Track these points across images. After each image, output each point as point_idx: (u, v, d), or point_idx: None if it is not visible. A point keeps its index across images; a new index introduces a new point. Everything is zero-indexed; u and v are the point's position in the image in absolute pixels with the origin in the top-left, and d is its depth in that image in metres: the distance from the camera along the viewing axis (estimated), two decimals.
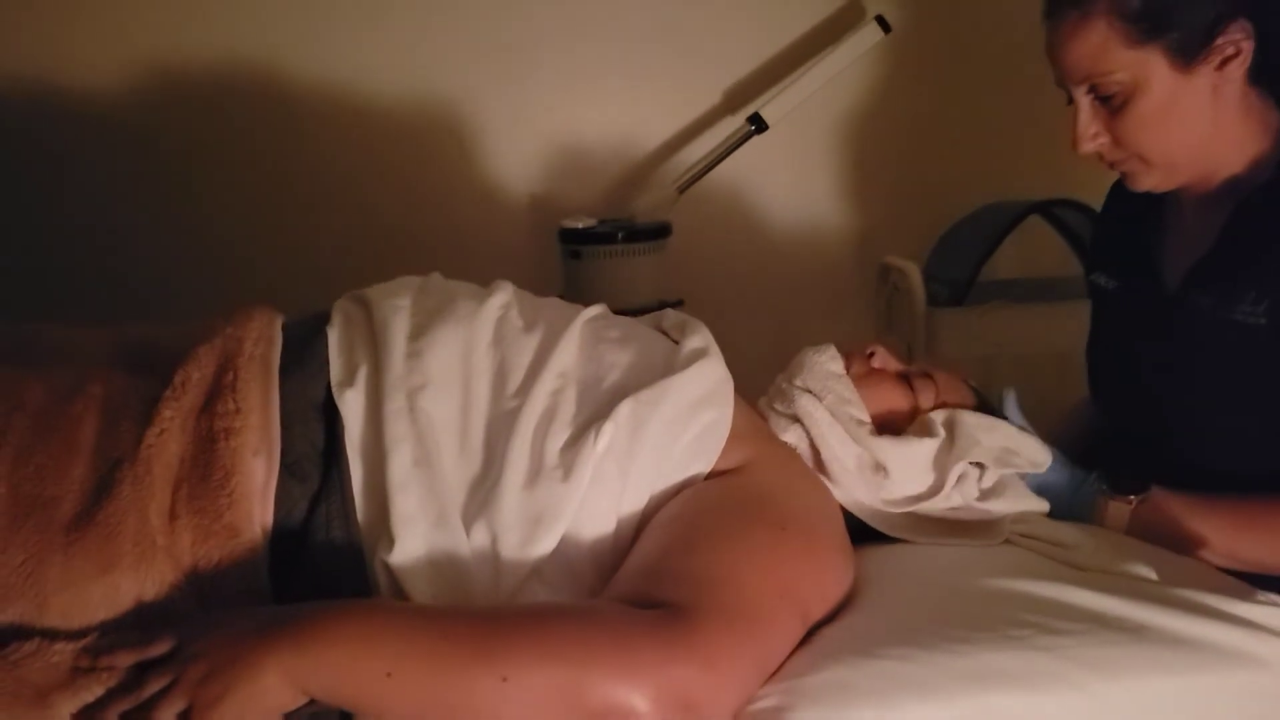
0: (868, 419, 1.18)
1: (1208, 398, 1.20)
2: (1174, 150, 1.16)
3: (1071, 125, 1.18)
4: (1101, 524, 1.18)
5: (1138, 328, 1.29)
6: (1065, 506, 1.19)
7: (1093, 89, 1.15)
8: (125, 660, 0.84)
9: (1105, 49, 1.11)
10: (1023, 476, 1.20)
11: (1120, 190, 1.39)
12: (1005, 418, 1.24)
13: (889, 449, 1.14)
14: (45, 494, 0.90)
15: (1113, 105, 1.14)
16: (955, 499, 1.14)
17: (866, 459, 1.15)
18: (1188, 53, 1.10)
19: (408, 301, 1.10)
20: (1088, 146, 1.19)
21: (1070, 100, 1.19)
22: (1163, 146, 1.16)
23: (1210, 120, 1.14)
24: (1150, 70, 1.11)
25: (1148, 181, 1.20)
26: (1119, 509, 1.17)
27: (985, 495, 1.15)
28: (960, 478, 1.14)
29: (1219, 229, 1.18)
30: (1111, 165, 1.22)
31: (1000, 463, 1.17)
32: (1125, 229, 1.35)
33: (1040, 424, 1.29)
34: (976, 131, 2.31)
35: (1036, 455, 1.19)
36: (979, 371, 2.02)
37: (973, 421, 1.18)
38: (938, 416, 1.18)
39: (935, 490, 1.14)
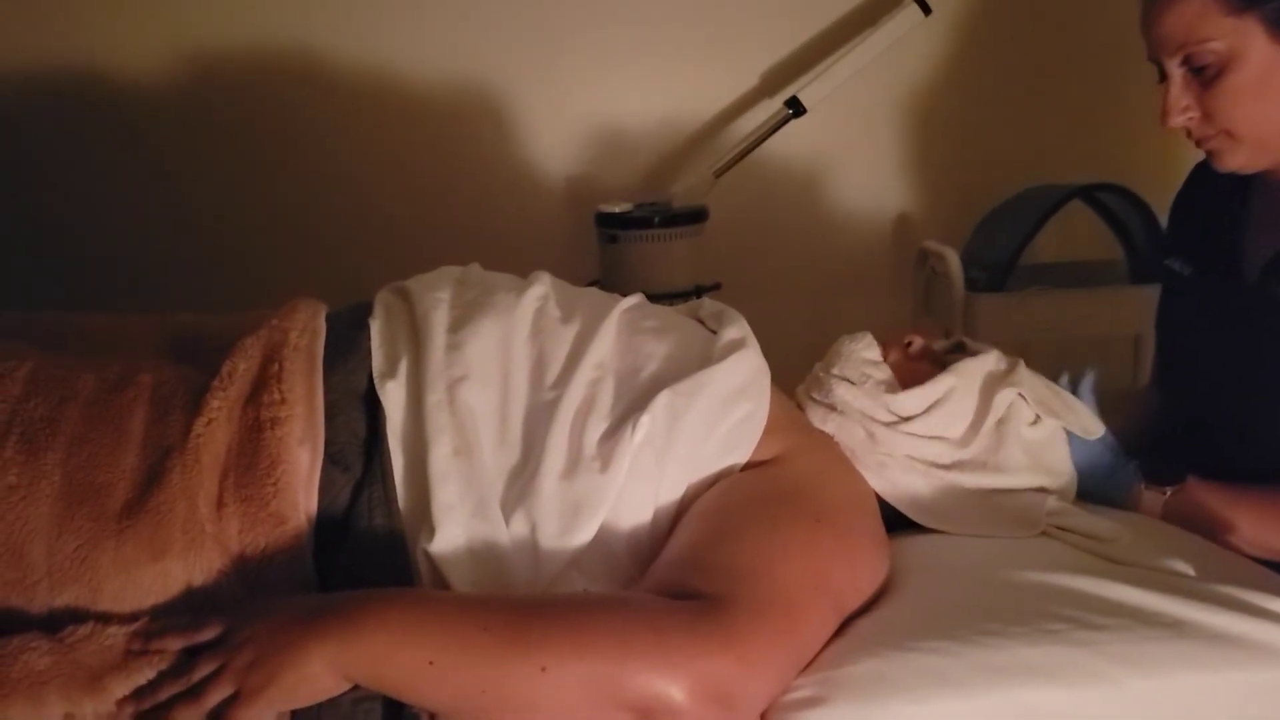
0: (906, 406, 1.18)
1: (1278, 390, 1.18)
2: (1265, 126, 1.14)
3: (1162, 99, 1.16)
4: (1135, 509, 1.18)
5: (1212, 316, 1.28)
6: (1101, 487, 1.19)
7: (1186, 60, 1.13)
8: (175, 644, 0.87)
9: (1203, 16, 1.09)
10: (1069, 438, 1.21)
11: (1201, 175, 1.36)
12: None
13: (916, 393, 1.15)
14: (98, 482, 0.93)
15: (1206, 77, 1.12)
16: (1001, 438, 1.16)
17: (908, 443, 1.15)
18: None
19: (447, 294, 1.12)
20: (1177, 120, 1.16)
21: (1161, 77, 1.17)
22: (1254, 122, 1.13)
23: None
24: (1247, 40, 1.08)
25: (1234, 161, 1.17)
26: (1153, 498, 1.17)
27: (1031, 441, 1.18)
28: (1008, 409, 1.16)
29: None
30: (1198, 143, 1.19)
31: (1048, 408, 1.18)
32: (1205, 215, 1.33)
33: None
34: (1017, 114, 2.28)
35: (1089, 423, 1.19)
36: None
37: (1031, 374, 1.19)
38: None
39: (980, 418, 1.15)
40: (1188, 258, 1.34)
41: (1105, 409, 1.26)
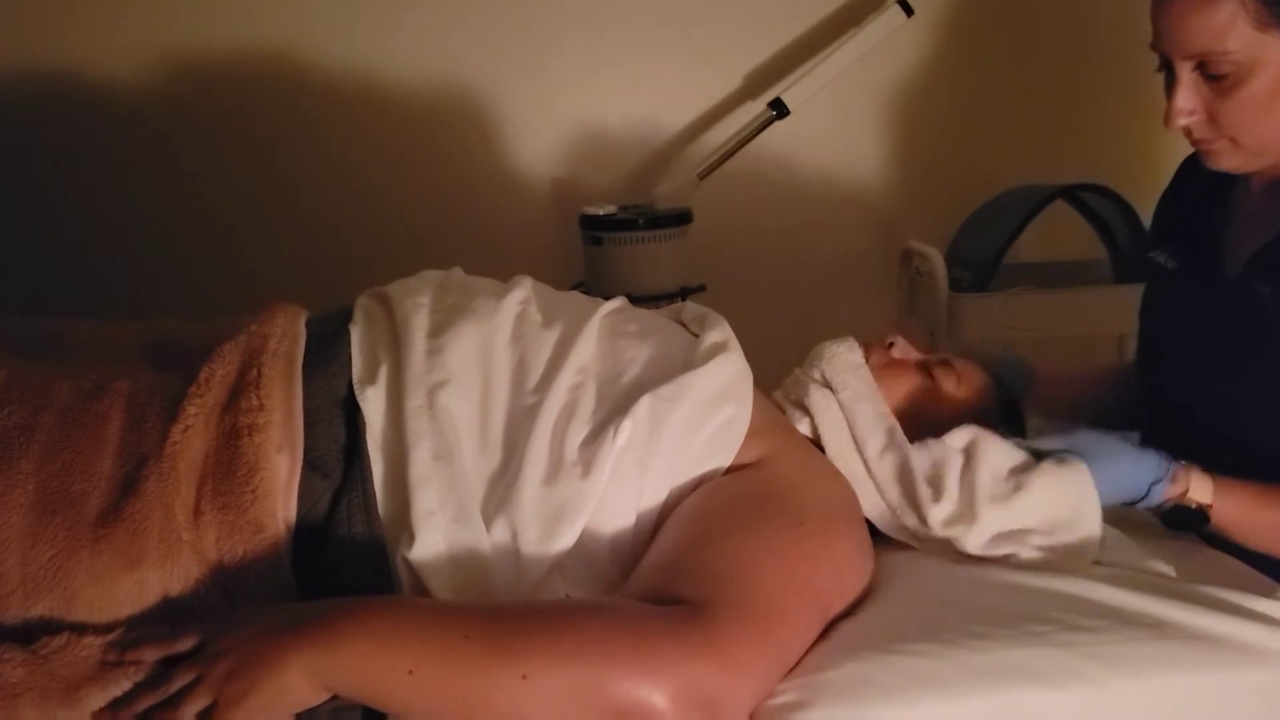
0: (887, 410, 1.17)
1: (1258, 384, 1.18)
2: (1268, 137, 1.13)
3: (1168, 99, 1.14)
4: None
5: (1195, 311, 1.27)
6: (1136, 502, 1.11)
7: (1200, 66, 1.11)
8: (152, 655, 0.86)
9: (1231, 27, 1.06)
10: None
11: (1189, 170, 1.36)
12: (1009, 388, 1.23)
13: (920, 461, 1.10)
14: (73, 490, 0.92)
15: (1220, 85, 1.10)
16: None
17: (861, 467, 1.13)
18: None
19: (428, 299, 1.11)
20: (1181, 123, 1.14)
21: (1161, 67, 1.15)
22: (1259, 132, 1.12)
23: None
24: (1269, 56, 1.07)
25: (1230, 162, 1.17)
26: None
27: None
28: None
29: None
30: (1196, 143, 1.18)
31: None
32: (1191, 210, 1.32)
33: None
34: (999, 115, 2.29)
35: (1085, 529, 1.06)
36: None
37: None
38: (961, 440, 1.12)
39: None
40: (1172, 252, 1.34)
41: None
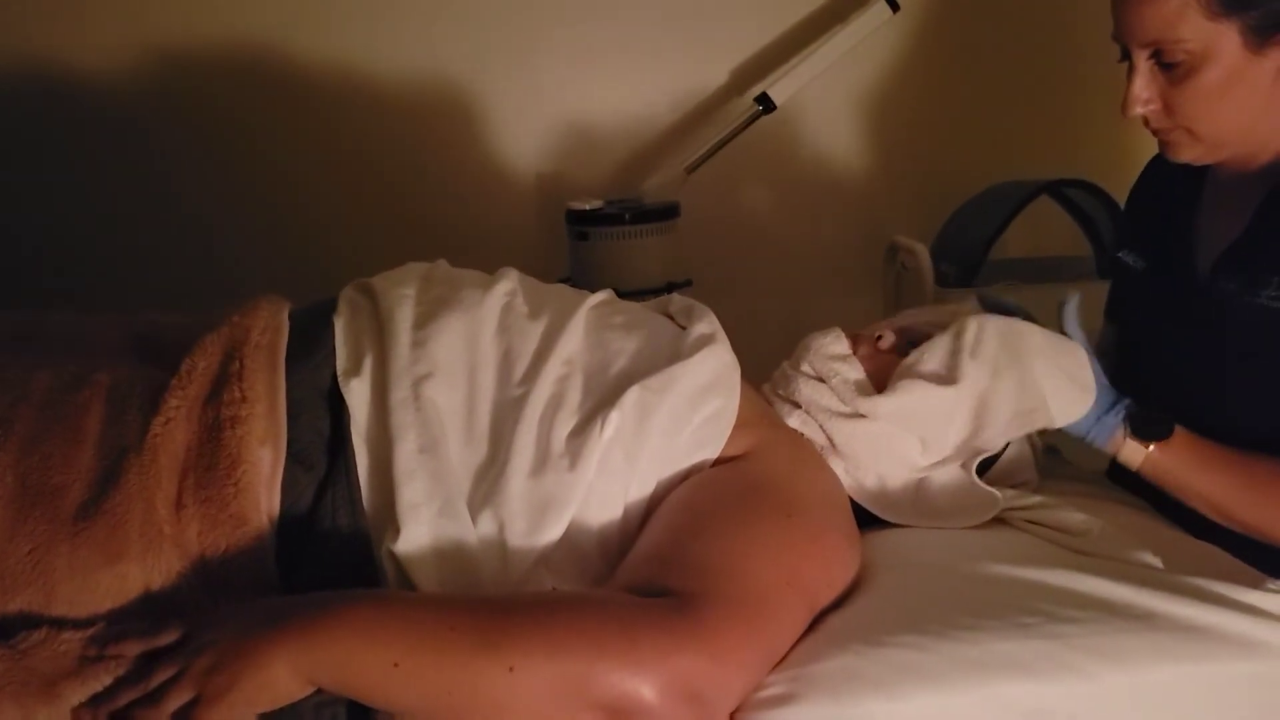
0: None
1: (1230, 380, 1.18)
2: (1224, 127, 1.14)
3: (1125, 87, 1.16)
4: (1115, 455, 1.16)
5: (1164, 311, 1.28)
6: (1087, 428, 1.17)
7: (1155, 55, 1.12)
8: (133, 650, 0.85)
9: (1182, 16, 1.08)
10: None
11: (1156, 169, 1.36)
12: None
13: (898, 399, 1.13)
14: (52, 483, 0.91)
15: (1174, 74, 1.12)
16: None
17: (882, 433, 1.14)
18: (1262, 33, 1.08)
19: (413, 290, 1.10)
20: (1138, 111, 1.16)
21: (1123, 56, 1.17)
22: (1214, 122, 1.14)
23: (1266, 103, 1.12)
24: (1221, 45, 1.08)
25: (1189, 153, 1.18)
26: (1134, 449, 1.15)
27: None
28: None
29: (1252, 214, 1.17)
30: (1155, 133, 1.20)
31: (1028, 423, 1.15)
32: (1158, 210, 1.33)
33: None
34: (985, 111, 2.29)
35: (1069, 408, 1.16)
36: None
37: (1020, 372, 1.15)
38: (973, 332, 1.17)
39: (975, 437, 1.14)
40: (1141, 252, 1.34)
41: None
